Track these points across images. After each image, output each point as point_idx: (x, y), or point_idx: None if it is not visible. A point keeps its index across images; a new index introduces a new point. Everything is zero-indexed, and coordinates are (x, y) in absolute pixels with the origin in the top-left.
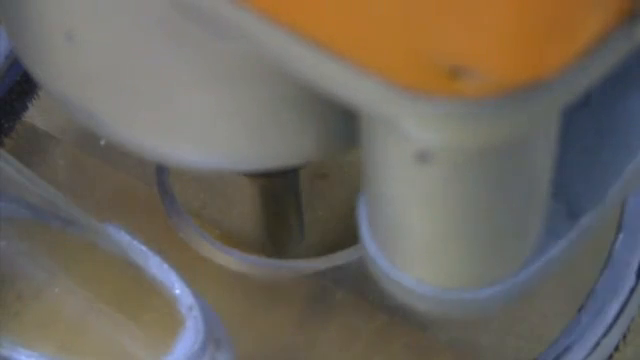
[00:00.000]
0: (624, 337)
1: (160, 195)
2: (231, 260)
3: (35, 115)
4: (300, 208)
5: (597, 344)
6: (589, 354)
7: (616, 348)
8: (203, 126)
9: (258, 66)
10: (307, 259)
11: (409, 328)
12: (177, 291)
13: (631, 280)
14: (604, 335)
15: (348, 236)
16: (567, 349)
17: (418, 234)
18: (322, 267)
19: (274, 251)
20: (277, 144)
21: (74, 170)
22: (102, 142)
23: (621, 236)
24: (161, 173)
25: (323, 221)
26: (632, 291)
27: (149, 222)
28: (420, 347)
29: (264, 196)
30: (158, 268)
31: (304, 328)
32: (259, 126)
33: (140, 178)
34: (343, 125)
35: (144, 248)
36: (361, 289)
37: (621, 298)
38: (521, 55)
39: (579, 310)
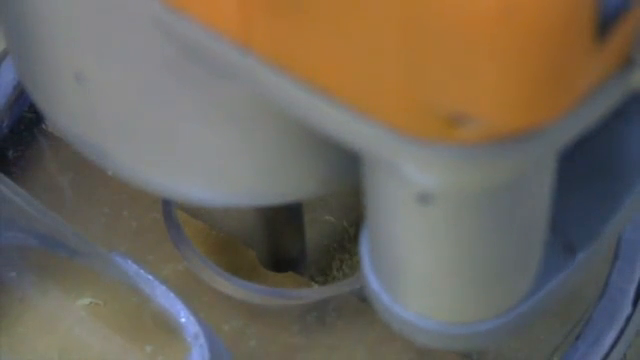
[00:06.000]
0: None
1: (167, 226)
2: (236, 289)
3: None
4: (303, 233)
5: None
6: None
7: None
8: (210, 165)
9: (263, 107)
10: (309, 289)
11: None
12: (183, 319)
13: (627, 309)
14: None
15: (348, 237)
16: None
17: (419, 271)
18: (324, 296)
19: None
20: (283, 181)
21: (78, 174)
22: (110, 173)
23: (617, 264)
24: (167, 204)
25: (323, 222)
26: (628, 320)
27: (155, 244)
28: (422, 349)
29: (267, 225)
30: (164, 297)
31: (306, 334)
32: (265, 165)
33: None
34: (348, 163)
35: (150, 277)
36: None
37: (617, 327)
38: (519, 104)
39: (576, 338)
